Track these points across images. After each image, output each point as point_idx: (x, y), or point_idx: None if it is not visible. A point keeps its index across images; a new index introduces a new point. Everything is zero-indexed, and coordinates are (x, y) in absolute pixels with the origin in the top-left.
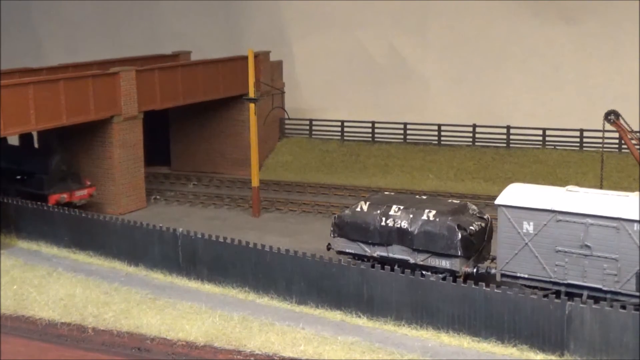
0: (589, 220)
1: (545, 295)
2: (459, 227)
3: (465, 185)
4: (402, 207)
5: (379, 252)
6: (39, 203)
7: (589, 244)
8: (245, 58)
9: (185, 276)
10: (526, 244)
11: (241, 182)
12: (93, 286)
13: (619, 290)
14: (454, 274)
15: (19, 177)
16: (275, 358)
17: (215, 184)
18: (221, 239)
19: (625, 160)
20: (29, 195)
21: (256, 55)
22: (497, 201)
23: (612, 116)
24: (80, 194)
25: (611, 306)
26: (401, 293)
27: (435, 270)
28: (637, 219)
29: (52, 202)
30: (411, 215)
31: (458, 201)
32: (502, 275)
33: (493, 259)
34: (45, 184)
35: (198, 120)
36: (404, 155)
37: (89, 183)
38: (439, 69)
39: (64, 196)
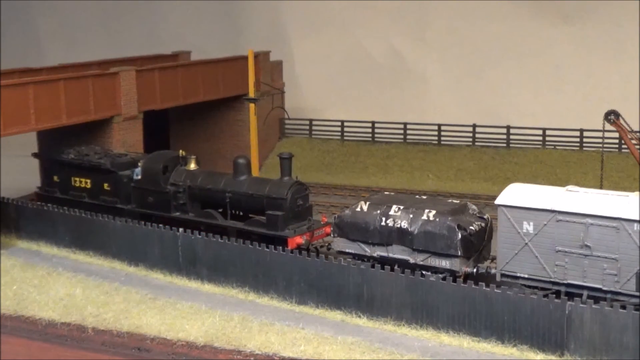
0: (589, 220)
1: (545, 295)
2: (459, 227)
3: (465, 185)
4: (402, 207)
5: (379, 252)
6: (39, 203)
7: (589, 244)
8: (245, 58)
9: (185, 276)
10: (526, 244)
11: None
12: (93, 286)
13: (619, 290)
14: (454, 274)
15: (235, 212)
16: (275, 358)
17: None
18: (221, 239)
19: (625, 160)
20: (254, 237)
21: (256, 55)
22: (497, 201)
23: (612, 116)
24: (319, 234)
25: (611, 306)
26: (401, 293)
27: (435, 270)
28: (637, 219)
29: (292, 245)
30: (411, 215)
31: (458, 201)
32: (502, 275)
33: (493, 259)
34: (280, 224)
35: (198, 120)
36: (404, 155)
37: (325, 220)
38: (439, 69)
39: (306, 238)
